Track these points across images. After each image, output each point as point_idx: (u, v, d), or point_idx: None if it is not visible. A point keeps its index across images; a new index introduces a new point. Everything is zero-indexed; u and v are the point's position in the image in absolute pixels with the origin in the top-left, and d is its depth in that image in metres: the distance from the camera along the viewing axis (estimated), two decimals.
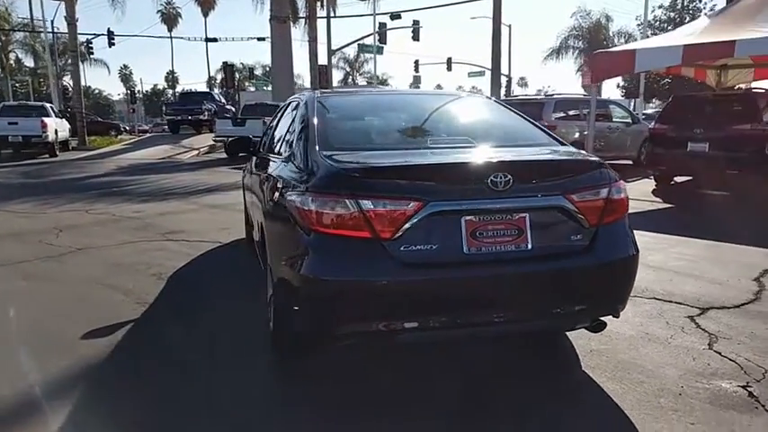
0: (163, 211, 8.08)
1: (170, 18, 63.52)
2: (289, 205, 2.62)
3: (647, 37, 26.16)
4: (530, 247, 2.50)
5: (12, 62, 43.64)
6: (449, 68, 40.28)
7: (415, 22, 32.24)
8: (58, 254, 5.59)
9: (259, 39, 34.64)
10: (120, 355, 3.23)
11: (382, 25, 31.87)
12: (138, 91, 68.16)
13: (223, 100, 27.59)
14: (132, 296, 4.20)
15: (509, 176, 2.43)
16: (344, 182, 2.43)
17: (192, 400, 2.73)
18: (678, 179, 10.57)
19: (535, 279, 2.51)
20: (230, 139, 16.61)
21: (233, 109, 28.14)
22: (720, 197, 9.39)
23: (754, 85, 13.14)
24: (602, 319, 2.82)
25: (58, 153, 19.12)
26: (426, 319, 2.45)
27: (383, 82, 50.84)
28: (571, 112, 12.68)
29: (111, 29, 32.49)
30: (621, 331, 3.41)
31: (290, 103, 4.24)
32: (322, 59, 29.25)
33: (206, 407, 2.66)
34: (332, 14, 30.67)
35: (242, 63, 58.44)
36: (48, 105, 20.67)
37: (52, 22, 36.67)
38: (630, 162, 13.24)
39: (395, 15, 30.31)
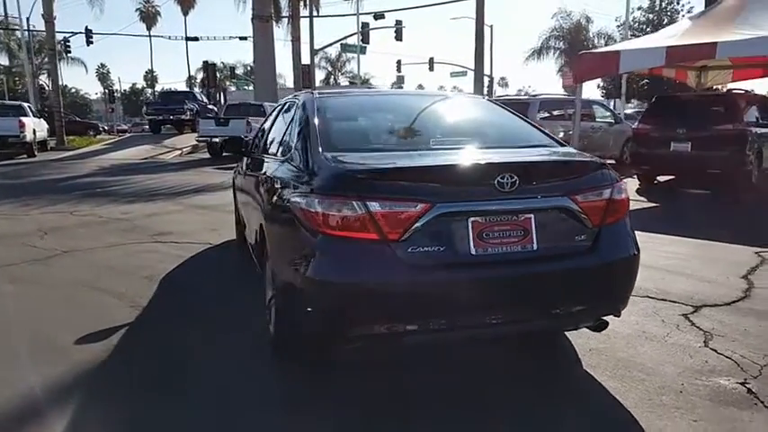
0: (150, 213, 7.98)
1: (149, 16, 62.64)
2: (293, 207, 2.60)
3: (628, 38, 26.51)
4: (535, 247, 2.52)
5: None
6: (431, 68, 40.43)
7: (398, 22, 32.28)
8: (45, 257, 5.48)
9: (241, 38, 34.43)
10: (117, 360, 3.18)
11: (365, 25, 31.88)
12: (117, 90, 67.09)
13: (205, 99, 27.28)
14: (125, 299, 4.14)
15: (515, 178, 2.45)
16: (352, 183, 2.42)
17: (193, 404, 2.70)
18: (661, 178, 10.74)
19: (541, 279, 2.53)
20: (220, 138, 16.50)
21: (215, 109, 27.87)
22: (703, 196, 9.56)
23: (731, 86, 13.43)
24: (603, 318, 2.85)
25: (36, 153, 18.77)
26: (435, 321, 2.45)
27: (365, 81, 50.75)
28: (555, 112, 12.82)
29: (89, 27, 32.04)
30: (619, 330, 3.45)
31: (285, 103, 4.22)
32: (305, 59, 29.14)
33: (206, 409, 2.63)
34: (315, 14, 30.56)
35: (222, 62, 57.86)
36: (25, 104, 20.29)
37: (28, 19, 36.05)
38: (613, 161, 13.40)
39: (378, 15, 30.31)
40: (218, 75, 44.05)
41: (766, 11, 8.68)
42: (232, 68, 53.21)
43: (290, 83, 51.29)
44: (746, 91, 10.74)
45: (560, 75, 45.50)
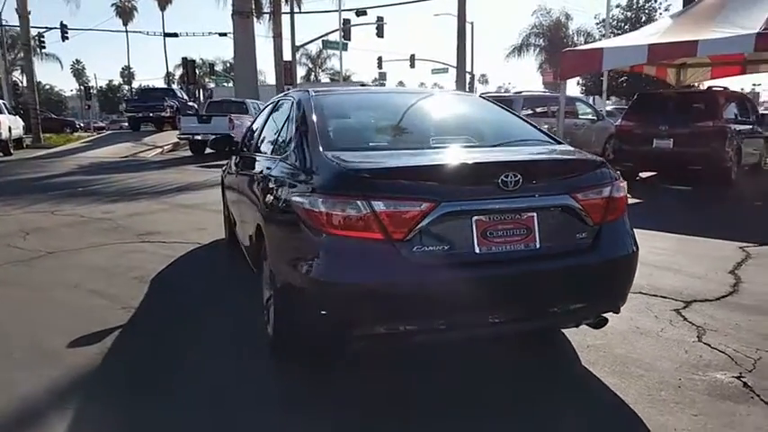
0: (134, 212, 7.85)
1: (125, 12, 61.62)
2: (295, 207, 2.58)
3: (606, 36, 26.81)
4: (538, 246, 2.53)
5: None
6: (412, 65, 40.47)
7: (379, 19, 32.24)
8: (28, 258, 5.36)
9: (221, 34, 34.04)
10: (112, 363, 3.12)
11: (346, 21, 31.75)
12: (93, 87, 65.87)
13: (185, 96, 26.95)
14: (116, 301, 4.07)
15: (519, 176, 2.45)
16: (355, 183, 2.41)
17: (193, 406, 2.67)
18: (643, 174, 10.89)
19: (545, 277, 2.55)
20: (203, 136, 16.31)
21: (195, 106, 27.57)
22: (684, 192, 9.72)
23: (708, 83, 13.67)
24: (603, 315, 2.88)
25: (12, 151, 18.36)
26: (440, 321, 2.45)
27: (346, 78, 50.64)
28: (539, 109, 12.91)
29: (64, 22, 31.43)
30: (613, 326, 3.46)
31: (277, 101, 4.18)
32: (286, 55, 28.94)
33: (205, 410, 2.61)
34: (296, 10, 30.35)
35: (202, 59, 57.03)
36: (0, 101, 19.81)
37: (0, 13, 35.15)
38: None
39: (360, 12, 30.21)
40: (197, 71, 43.53)
41: (746, 9, 8.85)
42: (211, 65, 52.63)
43: (269, 79, 50.94)
44: (725, 88, 10.95)
45: (540, 72, 45.96)
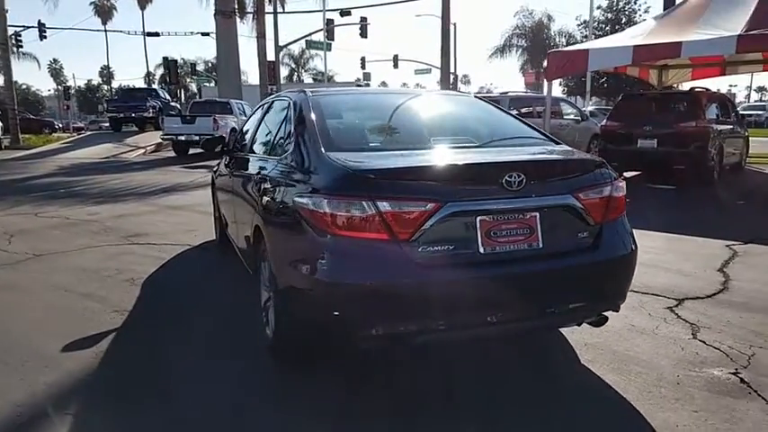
0: (120, 214, 7.74)
1: (104, 11, 60.89)
2: (298, 207, 2.56)
3: (588, 37, 27.12)
4: (541, 245, 2.55)
5: None
6: (395, 66, 40.53)
7: (363, 19, 32.20)
8: (15, 261, 5.27)
9: (203, 34, 33.81)
10: (109, 367, 3.08)
11: (330, 21, 31.65)
12: (71, 87, 64.85)
13: (167, 97, 26.64)
14: (108, 304, 4.01)
15: (522, 176, 2.47)
16: (361, 183, 2.40)
17: (192, 407, 2.64)
18: (627, 174, 11.02)
19: (548, 277, 2.56)
20: (186, 137, 16.17)
21: (178, 106, 27.30)
22: (669, 191, 9.85)
23: (688, 84, 13.91)
24: (603, 313, 2.91)
25: None
26: (446, 321, 2.45)
27: (330, 79, 50.50)
28: (524, 110, 13.01)
29: (42, 21, 30.88)
30: (609, 324, 3.46)
31: (272, 102, 4.14)
32: (269, 56, 28.80)
33: (205, 411, 2.59)
34: (280, 10, 30.20)
35: (183, 58, 56.45)
36: None
37: None
38: None
39: (344, 12, 30.13)
40: (178, 71, 43.10)
41: (727, 12, 9.01)
42: (193, 65, 52.08)
43: (251, 80, 50.64)
44: (707, 89, 11.14)
45: (522, 72, 46.36)
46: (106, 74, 70.63)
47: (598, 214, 2.69)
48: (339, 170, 2.51)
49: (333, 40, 32.88)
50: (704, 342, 3.29)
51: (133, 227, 6.78)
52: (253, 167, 3.73)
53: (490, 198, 2.47)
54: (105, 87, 70.82)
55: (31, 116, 36.86)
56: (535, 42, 42.20)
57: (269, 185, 3.09)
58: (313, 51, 48.28)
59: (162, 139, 18.29)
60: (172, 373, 3.01)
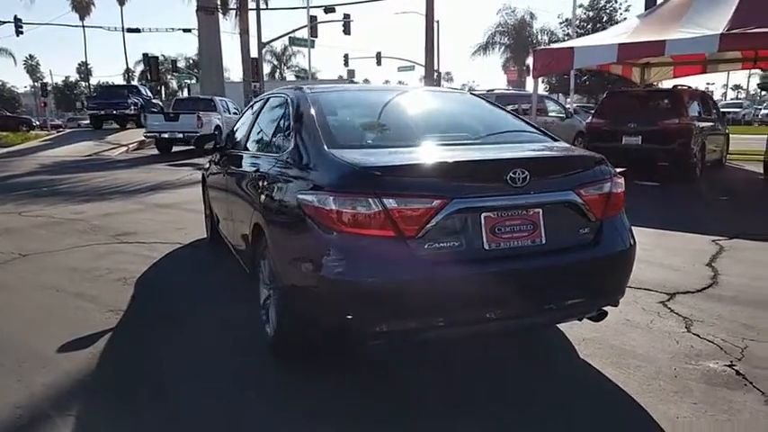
0: (106, 212, 7.64)
1: (82, 6, 59.70)
2: (302, 205, 2.55)
3: (570, 35, 27.35)
4: (544, 241, 2.57)
5: None
6: (378, 63, 40.48)
7: (346, 16, 32.09)
8: (2, 261, 5.17)
9: (185, 30, 33.34)
10: (106, 366, 3.04)
11: (313, 18, 31.51)
12: (49, 83, 63.66)
13: (149, 94, 26.28)
14: (102, 304, 3.95)
15: (526, 173, 2.49)
16: (366, 180, 2.40)
17: (191, 408, 2.62)
18: None
19: (551, 272, 2.59)
20: (170, 134, 16.00)
21: (160, 103, 26.96)
22: (654, 188, 9.99)
23: (668, 82, 14.10)
24: (603, 308, 2.94)
25: None
26: (451, 317, 2.46)
27: (312, 76, 50.28)
28: (510, 107, 13.05)
29: (18, 16, 30.29)
30: (605, 319, 3.55)
31: (267, 99, 4.12)
32: (252, 52, 28.59)
33: (204, 411, 2.57)
34: (263, 6, 29.97)
35: (163, 55, 55.76)
36: None
37: None
38: None
39: (328, 9, 30.00)
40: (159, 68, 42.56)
41: (709, 11, 9.15)
42: (174, 62, 51.37)
43: (233, 76, 50.21)
44: (689, 87, 11.31)
45: (504, 70, 46.61)
46: (84, 70, 69.52)
47: (599, 210, 2.73)
48: (344, 167, 2.51)
49: (316, 36, 32.79)
50: (698, 335, 3.36)
51: (121, 225, 6.69)
52: (249, 165, 3.71)
53: (495, 194, 2.49)
54: (83, 84, 69.67)
55: (8, 113, 36.19)
56: (518, 40, 42.46)
57: (270, 183, 3.06)
58: (296, 48, 47.96)
59: (145, 136, 18.06)
60: (168, 373, 2.99)
